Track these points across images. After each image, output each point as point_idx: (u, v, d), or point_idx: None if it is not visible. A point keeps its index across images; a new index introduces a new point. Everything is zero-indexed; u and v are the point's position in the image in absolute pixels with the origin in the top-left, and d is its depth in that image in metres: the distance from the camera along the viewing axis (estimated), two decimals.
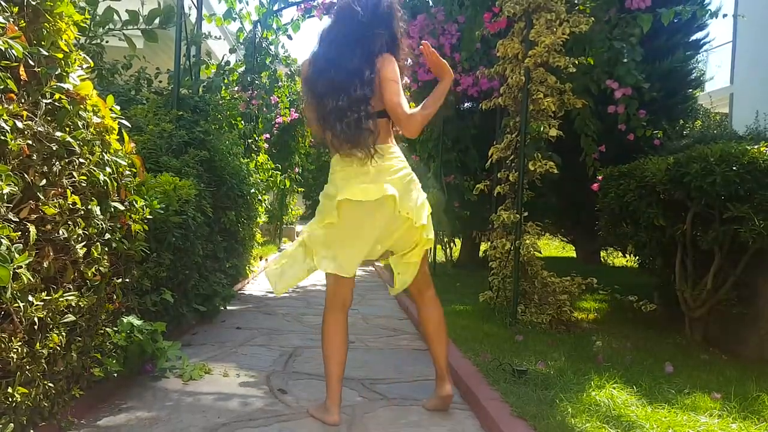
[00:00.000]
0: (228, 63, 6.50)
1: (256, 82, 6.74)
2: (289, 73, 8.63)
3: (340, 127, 2.21)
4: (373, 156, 2.23)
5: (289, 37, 7.15)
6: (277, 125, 9.60)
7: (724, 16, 4.58)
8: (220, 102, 5.75)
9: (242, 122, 6.48)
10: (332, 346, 2.36)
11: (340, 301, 2.40)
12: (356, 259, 2.32)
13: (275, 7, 6.74)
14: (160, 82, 4.95)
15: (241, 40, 6.90)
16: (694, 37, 8.67)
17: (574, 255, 10.90)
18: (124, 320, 2.53)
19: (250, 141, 7.19)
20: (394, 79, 2.21)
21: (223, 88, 6.13)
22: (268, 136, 8.23)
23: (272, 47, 7.08)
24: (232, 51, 6.86)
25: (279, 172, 8.66)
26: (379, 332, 4.26)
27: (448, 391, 2.48)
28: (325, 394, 2.38)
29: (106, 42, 4.21)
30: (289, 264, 2.40)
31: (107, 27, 3.90)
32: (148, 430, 2.21)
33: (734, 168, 3.32)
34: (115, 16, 4.02)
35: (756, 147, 3.41)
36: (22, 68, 1.67)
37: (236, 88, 6.57)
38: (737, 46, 11.87)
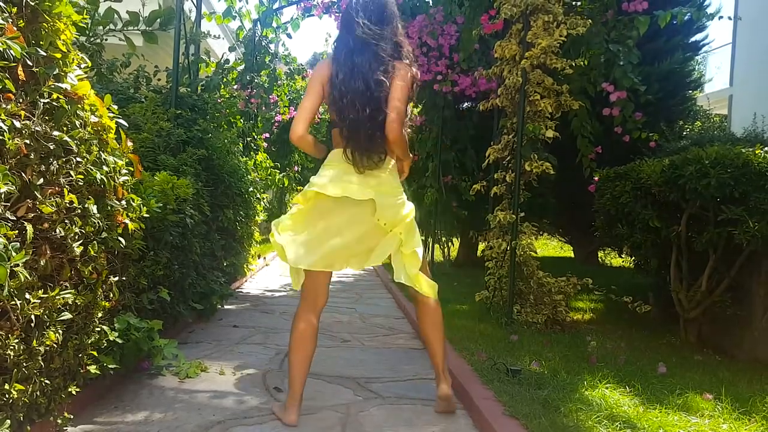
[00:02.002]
0: (227, 61, 6.51)
1: (256, 80, 6.75)
2: (288, 71, 8.64)
3: (360, 135, 2.29)
4: (378, 164, 2.33)
5: (289, 36, 7.16)
6: (276, 124, 9.60)
7: (720, 17, 4.60)
8: (219, 100, 5.76)
9: (241, 120, 6.49)
10: (299, 349, 2.33)
11: (311, 300, 2.38)
12: (321, 253, 2.29)
13: (275, 6, 6.76)
14: (159, 80, 4.96)
15: (240, 39, 6.92)
16: (693, 39, 8.70)
17: (572, 255, 10.92)
18: (121, 318, 2.55)
19: (249, 139, 7.21)
20: (405, 85, 2.31)
21: (222, 86, 6.14)
22: (267, 135, 8.24)
23: (272, 46, 7.09)
24: (231, 49, 6.88)
25: (278, 171, 8.68)
26: (376, 331, 4.28)
27: (444, 391, 2.48)
28: (288, 393, 2.35)
29: (106, 40, 4.23)
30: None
31: (108, 27, 3.91)
32: (144, 427, 2.23)
33: (729, 170, 3.33)
34: (116, 17, 4.04)
35: (751, 150, 3.43)
36: (20, 68, 1.69)
37: (235, 87, 6.58)
38: (737, 48, 11.88)
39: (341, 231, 2.31)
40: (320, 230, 2.31)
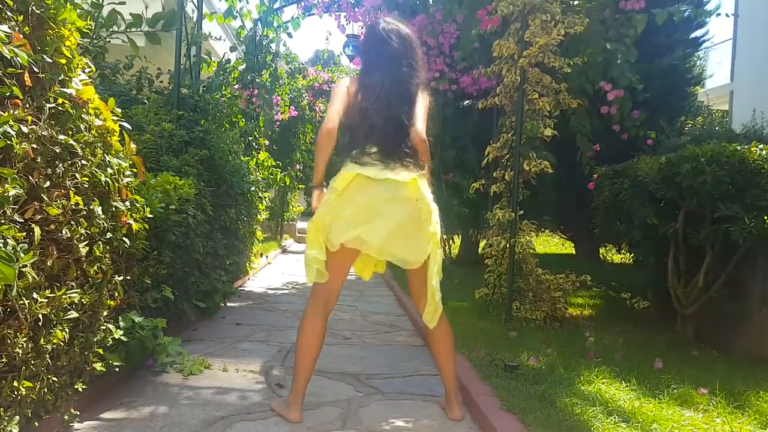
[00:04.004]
0: (228, 61, 6.55)
1: (257, 80, 6.79)
2: (289, 70, 8.68)
3: (389, 127, 2.32)
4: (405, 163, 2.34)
5: (290, 35, 7.21)
6: (278, 123, 9.65)
7: (717, 15, 4.62)
8: (221, 100, 5.80)
9: (243, 120, 6.53)
10: (307, 347, 2.35)
11: (323, 300, 2.39)
12: (361, 229, 2.26)
13: (276, 5, 6.80)
14: (161, 81, 5.00)
15: (241, 38, 6.96)
16: (693, 35, 8.70)
17: (573, 252, 10.94)
18: (126, 317, 2.60)
19: (250, 139, 7.25)
20: (426, 107, 2.43)
21: (224, 86, 6.19)
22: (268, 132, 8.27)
23: (273, 45, 7.13)
24: (232, 49, 6.91)
25: (279, 170, 8.73)
26: (377, 328, 4.32)
27: (456, 416, 2.45)
28: (291, 390, 2.38)
29: (109, 42, 4.27)
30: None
31: (111, 30, 3.95)
32: (149, 423, 2.28)
33: (725, 168, 3.37)
34: (119, 19, 4.07)
35: (746, 147, 3.46)
36: (26, 75, 1.73)
37: (236, 86, 6.62)
38: (737, 43, 11.86)
39: (382, 211, 2.27)
40: (363, 206, 2.27)
